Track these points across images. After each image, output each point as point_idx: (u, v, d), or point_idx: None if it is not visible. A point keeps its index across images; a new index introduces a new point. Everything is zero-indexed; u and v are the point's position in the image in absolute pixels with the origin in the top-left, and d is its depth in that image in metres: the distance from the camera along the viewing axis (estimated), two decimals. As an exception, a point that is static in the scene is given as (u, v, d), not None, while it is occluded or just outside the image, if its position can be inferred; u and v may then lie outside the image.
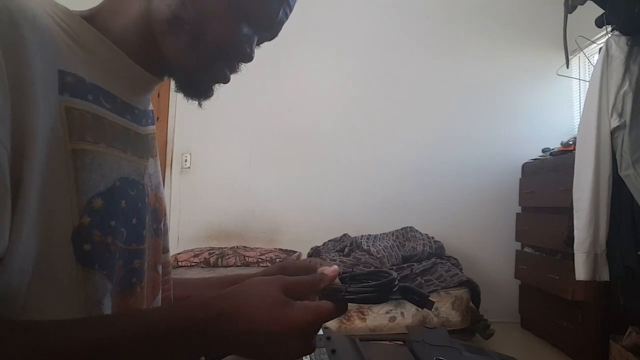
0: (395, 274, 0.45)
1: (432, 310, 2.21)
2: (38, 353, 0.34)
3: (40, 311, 0.38)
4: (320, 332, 0.66)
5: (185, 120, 3.31)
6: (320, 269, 0.49)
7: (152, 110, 0.59)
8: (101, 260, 0.43)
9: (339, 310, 0.43)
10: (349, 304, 0.44)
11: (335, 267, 0.49)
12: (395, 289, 0.44)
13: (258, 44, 0.53)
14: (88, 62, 0.45)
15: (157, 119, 3.24)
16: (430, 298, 0.48)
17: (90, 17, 0.47)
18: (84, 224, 0.41)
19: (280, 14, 0.51)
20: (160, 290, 0.58)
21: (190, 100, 0.52)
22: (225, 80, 0.52)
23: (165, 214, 0.60)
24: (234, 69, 0.52)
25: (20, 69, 0.36)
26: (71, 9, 0.46)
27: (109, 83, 0.47)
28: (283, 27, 0.54)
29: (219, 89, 0.54)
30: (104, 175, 0.44)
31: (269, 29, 0.53)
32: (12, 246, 0.35)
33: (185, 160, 3.31)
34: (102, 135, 0.45)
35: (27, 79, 0.37)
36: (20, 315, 0.37)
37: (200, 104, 0.53)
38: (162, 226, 0.58)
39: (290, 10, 0.53)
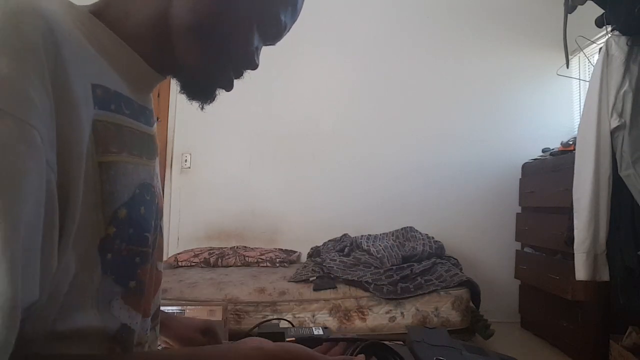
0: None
1: (432, 310, 2.21)
2: None
3: (67, 320, 0.39)
4: (320, 331, 0.66)
5: (185, 120, 3.31)
6: None
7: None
8: (114, 265, 0.43)
9: None
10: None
11: None
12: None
13: None
14: (110, 69, 0.45)
15: (157, 119, 3.23)
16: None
17: (98, 13, 0.47)
18: (109, 234, 0.42)
19: (288, 27, 0.54)
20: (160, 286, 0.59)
21: (192, 102, 0.53)
22: (230, 87, 0.53)
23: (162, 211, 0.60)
24: (239, 75, 0.54)
25: (63, 91, 0.36)
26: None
27: (127, 87, 0.48)
28: None
29: (220, 90, 0.54)
30: (127, 185, 0.45)
31: (276, 41, 0.55)
32: (54, 272, 0.36)
33: (185, 160, 3.31)
34: (123, 144, 0.45)
35: (71, 100, 0.37)
36: (51, 326, 0.37)
37: (202, 107, 0.54)
38: (161, 223, 0.58)
39: (294, 21, 0.56)
